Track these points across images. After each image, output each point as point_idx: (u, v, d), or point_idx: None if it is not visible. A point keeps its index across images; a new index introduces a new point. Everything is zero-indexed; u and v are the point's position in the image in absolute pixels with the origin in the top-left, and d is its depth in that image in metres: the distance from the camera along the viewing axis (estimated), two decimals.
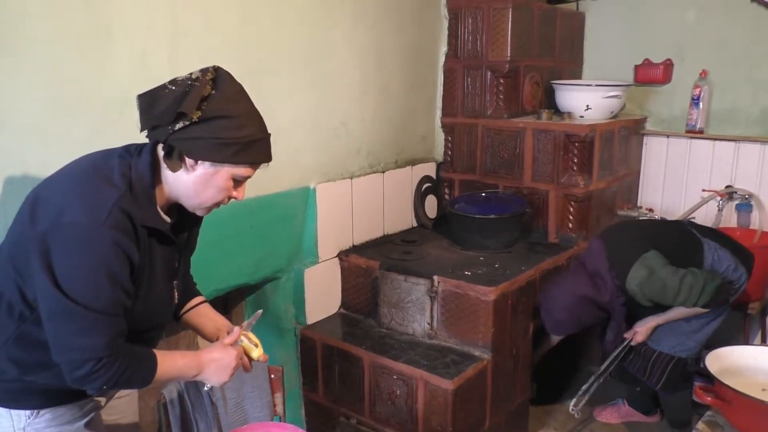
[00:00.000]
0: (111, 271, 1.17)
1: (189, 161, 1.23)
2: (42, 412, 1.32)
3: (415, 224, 3.08)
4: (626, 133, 3.09)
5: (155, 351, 1.30)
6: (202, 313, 1.59)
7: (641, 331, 2.44)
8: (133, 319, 1.26)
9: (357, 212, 2.72)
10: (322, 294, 2.61)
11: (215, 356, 1.38)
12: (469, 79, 3.00)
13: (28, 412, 1.31)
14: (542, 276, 2.56)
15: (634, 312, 2.46)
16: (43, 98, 1.64)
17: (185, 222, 1.41)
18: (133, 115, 1.86)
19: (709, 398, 1.45)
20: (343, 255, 2.65)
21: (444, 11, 3.02)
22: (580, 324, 2.40)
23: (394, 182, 2.89)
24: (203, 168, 1.24)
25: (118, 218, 1.18)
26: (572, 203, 2.79)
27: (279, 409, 2.00)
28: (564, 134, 2.75)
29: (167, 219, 1.33)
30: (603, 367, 2.51)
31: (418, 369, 2.22)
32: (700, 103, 3.04)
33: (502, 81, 2.92)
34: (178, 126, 1.19)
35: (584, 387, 2.49)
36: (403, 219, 3.01)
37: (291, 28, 2.31)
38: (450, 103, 3.08)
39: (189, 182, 1.26)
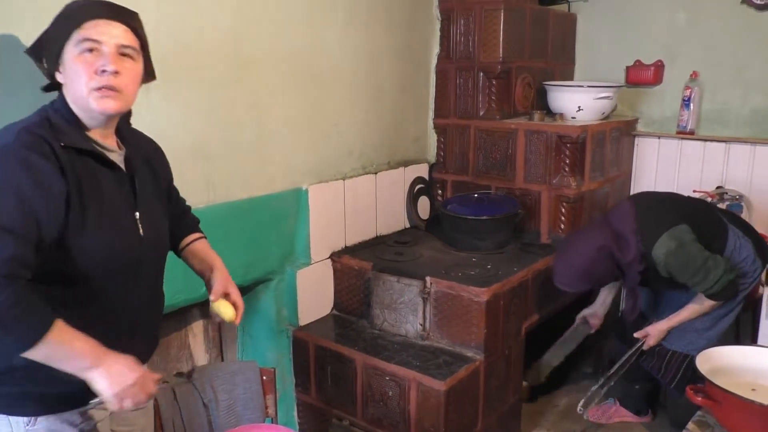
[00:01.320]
0: (19, 190, 1.12)
1: (59, 70, 1.24)
2: (39, 419, 1.27)
3: (407, 225, 3.08)
4: (618, 134, 3.10)
5: (59, 319, 1.14)
6: (193, 252, 1.58)
7: (653, 334, 2.42)
8: (89, 253, 1.20)
9: (349, 213, 2.72)
10: (315, 295, 2.61)
11: (120, 368, 1.20)
12: (461, 80, 3.00)
13: (26, 419, 1.26)
14: (534, 277, 2.56)
15: (648, 284, 2.42)
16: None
17: (137, 150, 1.39)
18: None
19: (700, 398, 1.46)
20: (335, 256, 2.65)
21: (436, 12, 3.02)
22: (595, 278, 2.33)
23: (386, 183, 2.90)
24: (67, 61, 1.22)
25: (26, 139, 1.16)
26: (564, 204, 2.80)
27: (271, 410, 2.00)
28: (556, 135, 2.76)
29: (103, 143, 1.29)
30: (615, 368, 2.49)
31: (410, 370, 2.22)
32: (691, 104, 3.06)
33: (494, 82, 2.93)
34: (43, 57, 1.25)
35: (594, 388, 2.47)
36: (395, 220, 3.01)
37: (283, 29, 2.31)
38: (442, 105, 3.09)
39: (70, 84, 1.23)
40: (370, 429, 2.37)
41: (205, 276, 1.56)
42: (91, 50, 1.21)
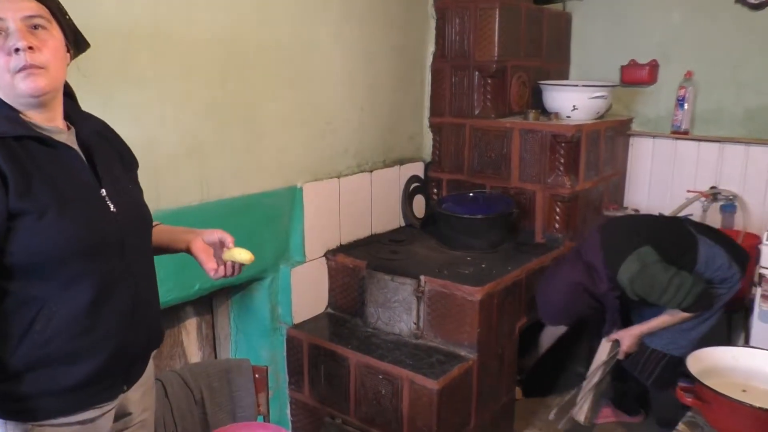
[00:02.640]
0: None
1: None
2: (38, 425, 1.19)
3: (402, 224, 3.08)
4: (612, 133, 3.11)
5: None
6: (158, 232, 1.43)
7: (626, 341, 2.44)
8: (56, 239, 1.12)
9: (344, 212, 2.71)
10: (309, 293, 2.61)
11: None
12: (456, 79, 3.00)
13: (26, 425, 1.18)
14: (528, 276, 2.57)
15: (629, 307, 2.47)
16: None
17: (89, 128, 1.28)
18: (116, 112, 1.86)
19: (690, 399, 1.46)
20: (330, 254, 2.65)
21: (431, 11, 3.02)
22: (575, 313, 2.41)
23: (381, 182, 2.89)
24: None
25: None
26: (559, 203, 2.80)
27: (263, 408, 2.00)
28: (551, 134, 2.76)
29: (47, 126, 1.19)
30: (593, 383, 2.51)
31: (403, 369, 2.22)
32: (685, 104, 3.07)
33: (489, 81, 2.93)
34: None
35: (567, 398, 2.51)
36: (390, 219, 3.01)
37: (277, 26, 2.30)
38: (438, 103, 3.09)
39: None
40: (363, 427, 2.37)
41: (181, 240, 1.41)
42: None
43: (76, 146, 1.23)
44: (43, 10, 1.14)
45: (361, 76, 2.71)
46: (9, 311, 1.13)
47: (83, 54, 1.75)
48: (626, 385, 2.74)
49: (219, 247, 1.39)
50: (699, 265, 2.30)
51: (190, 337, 2.46)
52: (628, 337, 2.44)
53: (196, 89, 2.07)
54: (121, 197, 1.26)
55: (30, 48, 1.10)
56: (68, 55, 1.23)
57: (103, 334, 1.20)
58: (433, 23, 3.02)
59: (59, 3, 1.20)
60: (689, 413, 1.54)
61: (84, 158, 1.23)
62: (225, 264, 1.38)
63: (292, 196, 2.47)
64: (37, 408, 1.17)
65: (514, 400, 2.71)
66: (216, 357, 2.57)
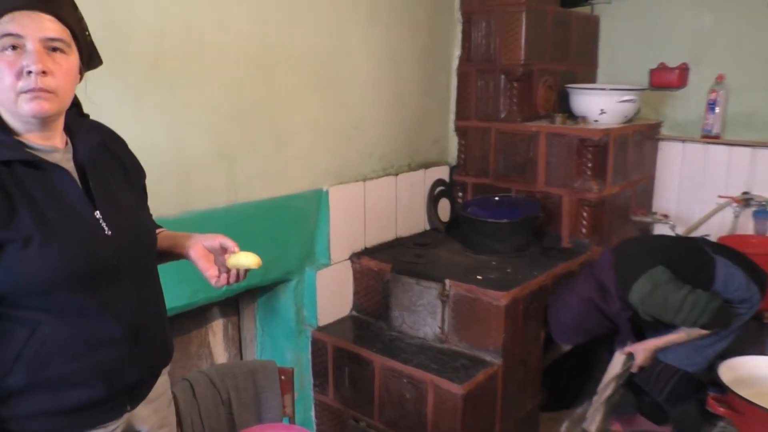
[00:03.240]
0: None
1: None
2: None
3: (427, 227, 3.07)
4: (641, 137, 3.06)
5: None
6: (163, 236, 1.39)
7: (640, 355, 2.40)
8: (46, 268, 1.08)
9: (369, 215, 2.72)
10: (334, 296, 2.62)
11: None
12: (482, 83, 2.99)
13: None
14: (554, 281, 2.54)
15: (642, 327, 2.43)
16: None
17: (90, 144, 1.22)
18: (148, 115, 1.90)
19: (722, 409, 1.44)
20: (355, 257, 2.66)
21: (457, 15, 3.02)
22: (586, 332, 2.40)
23: (407, 185, 2.89)
24: None
25: None
26: (586, 208, 2.77)
27: (288, 410, 2.01)
28: (578, 138, 2.74)
29: (43, 146, 1.14)
30: (605, 396, 2.49)
31: (428, 373, 2.22)
32: (717, 108, 3.01)
33: (515, 84, 2.91)
34: None
35: (578, 411, 2.49)
36: (415, 222, 3.00)
37: (304, 30, 2.32)
38: (463, 107, 3.08)
39: None
40: (386, 431, 2.37)
41: (181, 246, 1.35)
42: (13, 47, 1.05)
43: (70, 165, 1.17)
44: (65, 33, 1.10)
45: (387, 79, 2.72)
46: (0, 334, 1.10)
47: (119, 57, 1.80)
48: (646, 397, 2.67)
49: (221, 252, 1.33)
50: (717, 284, 2.25)
51: (216, 338, 2.49)
52: (642, 351, 2.40)
53: (225, 93, 2.10)
54: (118, 218, 1.20)
55: (43, 72, 1.06)
56: (79, 76, 1.18)
57: (100, 358, 1.16)
58: (459, 27, 3.02)
59: (81, 22, 1.17)
60: (721, 423, 1.51)
61: (77, 178, 1.17)
62: (229, 271, 1.32)
63: (318, 199, 2.48)
64: (34, 428, 1.14)
65: (539, 406, 2.68)
66: (242, 358, 2.59)
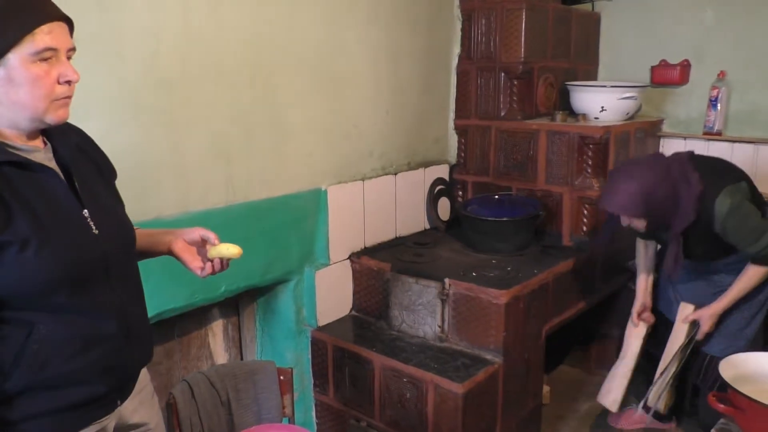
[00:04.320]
0: None
1: None
2: None
3: (427, 226, 3.06)
4: (642, 135, 3.05)
5: None
6: (139, 235, 1.39)
7: (706, 321, 2.30)
8: (42, 269, 1.09)
9: (369, 214, 2.71)
10: (334, 296, 2.61)
11: None
12: (482, 81, 2.98)
13: None
14: (555, 279, 2.53)
15: (687, 247, 2.29)
16: None
17: (65, 143, 1.23)
18: (145, 115, 1.90)
19: (723, 406, 1.42)
20: (354, 257, 2.65)
21: (457, 12, 3.01)
22: (650, 204, 2.12)
23: (406, 184, 2.89)
24: (12, 69, 1.06)
25: None
26: (587, 206, 2.76)
27: (288, 410, 2.01)
28: (578, 136, 2.73)
29: (24, 145, 1.15)
30: (673, 371, 2.39)
31: (428, 372, 2.21)
32: (718, 105, 2.99)
33: (515, 82, 2.90)
34: None
35: (652, 388, 2.42)
36: (415, 221, 2.99)
37: (303, 29, 2.32)
38: (463, 105, 3.07)
39: (13, 94, 1.08)
40: (387, 431, 2.36)
41: (162, 243, 1.37)
42: (48, 57, 1.08)
43: (53, 165, 1.18)
44: (73, 41, 1.16)
45: (387, 78, 2.71)
46: None
47: (117, 57, 1.80)
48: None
49: (201, 245, 1.36)
50: None
51: (216, 338, 2.49)
52: (708, 317, 2.29)
53: (223, 92, 2.09)
54: (103, 217, 1.22)
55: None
56: None
57: (97, 355, 1.18)
58: (458, 25, 3.01)
59: None
60: (722, 420, 1.50)
61: (63, 178, 1.18)
62: (213, 261, 1.35)
63: (317, 199, 2.48)
64: (33, 429, 1.15)
65: (541, 405, 2.67)
66: (242, 358, 2.59)
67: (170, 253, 1.37)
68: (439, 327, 2.41)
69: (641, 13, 3.23)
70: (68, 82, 1.11)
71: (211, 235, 1.34)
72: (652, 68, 3.20)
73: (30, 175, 1.12)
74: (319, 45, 2.39)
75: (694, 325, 2.37)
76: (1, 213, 1.06)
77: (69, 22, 1.13)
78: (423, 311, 2.45)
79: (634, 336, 2.56)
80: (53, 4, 1.11)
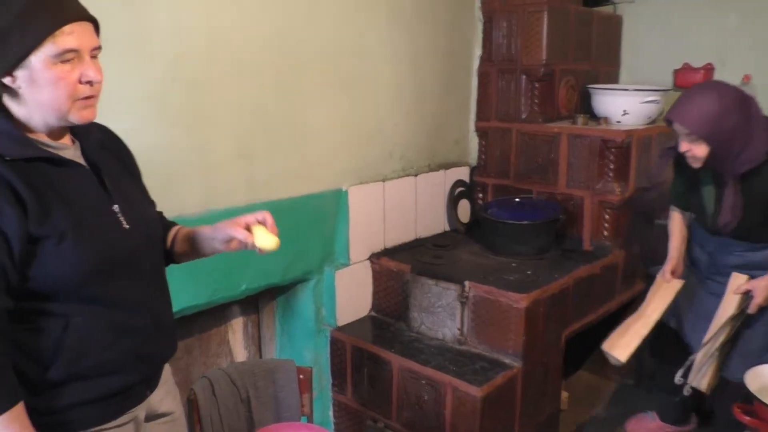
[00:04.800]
0: None
1: (6, 80, 1.08)
2: None
3: (447, 228, 3.06)
4: (665, 139, 3.01)
5: (20, 402, 1.08)
6: (185, 234, 1.43)
7: (761, 293, 2.08)
8: (76, 262, 1.11)
9: (389, 215, 2.72)
10: (353, 296, 2.62)
11: None
12: (503, 83, 2.97)
13: None
14: (576, 284, 2.51)
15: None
16: None
17: (92, 140, 1.25)
18: (169, 114, 1.92)
19: (748, 418, 1.40)
20: (374, 258, 2.65)
21: (478, 14, 3.00)
22: (718, 127, 1.95)
23: (426, 186, 2.88)
24: (35, 71, 1.07)
25: None
26: (608, 210, 2.74)
27: (306, 409, 2.02)
28: (600, 140, 2.71)
29: (54, 143, 1.17)
30: (718, 343, 2.16)
31: (446, 375, 2.20)
32: None
33: (536, 85, 2.89)
34: None
35: (691, 357, 2.15)
36: (435, 223, 2.99)
37: (325, 30, 2.33)
38: (484, 107, 3.06)
39: (28, 99, 1.10)
40: None
41: (205, 233, 1.38)
42: (70, 58, 1.09)
43: (83, 162, 1.22)
44: (98, 40, 1.16)
45: (408, 80, 2.71)
46: (35, 329, 1.14)
47: (144, 57, 1.82)
48: (675, 397, 2.60)
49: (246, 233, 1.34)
50: None
51: (236, 336, 2.50)
52: (763, 288, 2.08)
53: (246, 92, 2.11)
54: (132, 212, 1.25)
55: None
56: None
57: (129, 345, 1.22)
58: (480, 27, 3.00)
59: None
60: None
61: (93, 174, 1.21)
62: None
63: (338, 199, 2.48)
64: (73, 420, 1.18)
65: (559, 411, 2.65)
66: (261, 356, 2.61)
67: (223, 237, 1.35)
68: (458, 330, 2.41)
69: (664, 16, 3.20)
70: (90, 83, 1.12)
71: (248, 218, 1.35)
72: (675, 71, 3.16)
73: (63, 171, 1.16)
74: (341, 46, 2.39)
75: (746, 297, 2.15)
76: (39, 206, 1.08)
77: (94, 21, 1.14)
78: (442, 313, 2.45)
79: (660, 296, 2.33)
80: (75, 4, 1.11)
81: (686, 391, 2.17)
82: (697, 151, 2.03)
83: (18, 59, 1.06)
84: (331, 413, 2.62)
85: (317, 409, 2.53)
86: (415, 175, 2.82)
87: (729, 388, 2.24)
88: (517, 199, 2.90)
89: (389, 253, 2.69)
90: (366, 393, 2.48)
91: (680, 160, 2.17)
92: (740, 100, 2.00)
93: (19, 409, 1.08)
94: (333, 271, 2.50)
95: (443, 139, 2.98)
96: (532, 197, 2.91)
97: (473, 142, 3.13)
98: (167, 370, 1.44)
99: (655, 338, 2.47)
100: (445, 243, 2.84)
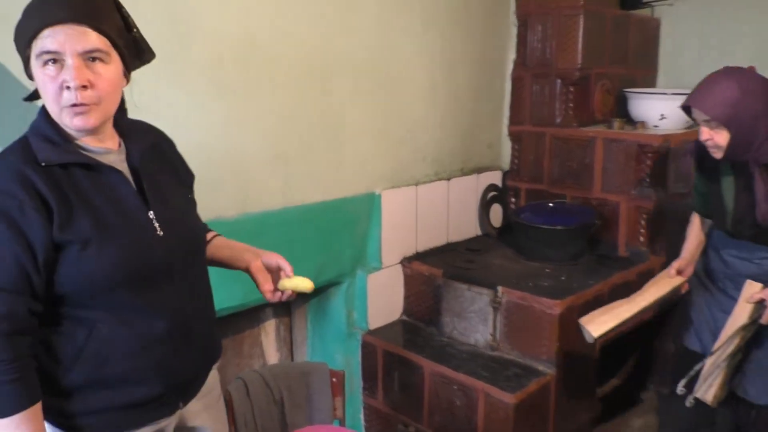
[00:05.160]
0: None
1: (32, 78, 1.11)
2: None
3: (479, 233, 3.04)
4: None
5: (36, 403, 1.09)
6: (219, 245, 1.44)
7: None
8: (101, 269, 1.11)
9: (421, 219, 2.71)
10: (385, 300, 2.62)
11: None
12: (537, 87, 2.95)
13: None
14: (611, 291, 2.47)
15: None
16: None
17: (140, 144, 1.24)
18: (208, 118, 1.95)
19: None
20: (406, 262, 2.65)
21: (513, 18, 2.98)
22: (735, 111, 1.82)
23: (459, 190, 2.88)
24: (34, 73, 1.10)
25: None
26: (644, 216, 2.69)
27: (339, 412, 2.02)
28: (636, 144, 2.66)
29: (97, 148, 1.17)
30: (727, 353, 1.98)
31: (479, 381, 2.19)
32: None
33: (571, 89, 2.85)
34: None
35: (696, 367, 1.98)
36: (467, 227, 2.98)
37: (360, 34, 2.34)
38: (517, 111, 3.04)
39: (43, 98, 1.12)
40: None
41: (241, 260, 1.40)
42: (54, 60, 1.06)
43: (124, 166, 1.20)
44: (102, 42, 1.09)
45: (441, 83, 2.71)
46: (60, 333, 1.14)
47: (180, 63, 1.85)
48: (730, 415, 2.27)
49: (275, 271, 1.38)
50: None
51: (269, 338, 2.53)
52: None
53: (282, 97, 2.13)
54: (170, 218, 1.22)
55: (83, 87, 1.07)
56: (125, 78, 1.18)
57: (154, 356, 1.19)
58: (514, 31, 2.98)
59: (123, 25, 1.15)
60: None
61: (131, 179, 1.20)
62: (283, 291, 1.38)
63: (371, 203, 2.49)
64: (93, 425, 1.18)
65: (593, 419, 2.61)
66: (292, 359, 2.62)
67: (247, 270, 1.39)
68: (491, 335, 2.39)
69: (704, 18, 3.13)
70: (68, 87, 1.06)
71: (287, 267, 1.36)
72: None
73: (97, 177, 1.15)
74: (375, 50, 2.40)
75: (760, 306, 1.95)
76: (64, 213, 1.08)
77: (87, 24, 1.07)
78: (474, 318, 2.43)
79: (655, 286, 2.16)
80: (68, 5, 1.06)
81: (688, 403, 2.01)
82: (718, 139, 1.88)
83: (25, 61, 1.10)
84: (361, 417, 2.62)
85: (348, 412, 2.53)
86: (448, 179, 2.82)
87: (757, 413, 2.05)
88: (550, 204, 2.87)
89: (421, 257, 2.69)
90: (397, 397, 2.48)
91: (701, 157, 2.06)
92: (762, 85, 1.88)
93: (36, 409, 1.09)
94: (365, 274, 2.50)
95: (476, 144, 2.96)
96: (566, 202, 2.88)
97: (506, 147, 3.11)
98: (212, 381, 1.40)
99: (682, 363, 2.22)
100: (477, 247, 2.82)
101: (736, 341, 1.98)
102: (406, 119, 2.58)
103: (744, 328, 1.96)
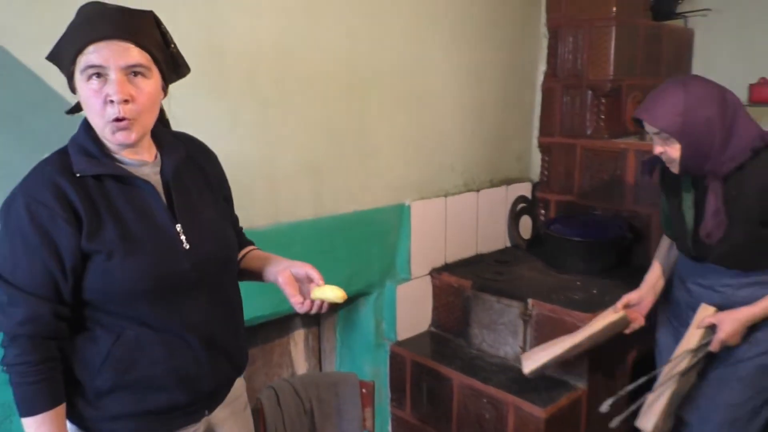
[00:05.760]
0: (25, 239, 1.10)
1: (74, 91, 1.16)
2: None
3: (508, 244, 3.03)
4: None
5: (59, 405, 1.14)
6: (252, 257, 1.45)
7: (726, 326, 1.77)
8: (123, 280, 1.14)
9: (450, 230, 2.71)
10: (413, 311, 2.62)
11: None
12: (567, 99, 2.93)
13: None
14: None
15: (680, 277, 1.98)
16: None
17: (176, 157, 1.26)
18: (242, 130, 1.98)
19: None
20: (435, 273, 2.65)
21: (543, 30, 2.98)
22: (687, 122, 1.71)
23: (488, 201, 2.87)
24: (78, 87, 1.13)
25: (30, 188, 1.12)
26: None
27: (368, 423, 2.02)
28: None
29: (134, 160, 1.20)
30: (672, 379, 1.87)
31: (509, 394, 2.17)
32: None
33: (603, 100, 2.83)
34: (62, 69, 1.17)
35: (647, 401, 1.91)
36: (496, 238, 2.96)
37: (391, 48, 2.36)
38: (547, 123, 3.03)
39: (86, 111, 1.15)
40: None
41: (270, 273, 1.39)
42: (98, 75, 1.10)
43: (156, 179, 1.22)
44: (144, 58, 1.13)
45: (471, 95, 2.71)
46: (88, 338, 1.18)
47: (216, 76, 1.89)
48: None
49: (306, 281, 1.36)
50: None
51: (297, 347, 2.54)
52: (730, 321, 1.77)
53: (314, 109, 2.15)
54: (198, 232, 1.24)
55: (125, 101, 1.10)
56: (163, 92, 1.22)
57: (178, 365, 1.21)
58: (545, 42, 2.98)
59: (162, 41, 1.19)
60: None
61: (162, 193, 1.22)
62: (313, 301, 1.35)
63: (400, 214, 2.50)
64: (117, 430, 1.21)
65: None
66: (321, 369, 2.63)
67: (275, 281, 1.38)
68: (521, 348, 2.37)
69: (738, 29, 3.09)
70: (112, 101, 1.10)
71: (316, 276, 1.34)
72: (751, 86, 3.05)
73: (129, 189, 1.18)
74: (406, 63, 2.42)
75: (711, 331, 1.84)
76: (93, 223, 1.13)
77: (130, 40, 1.11)
78: (504, 331, 2.41)
79: (601, 318, 2.09)
80: (114, 22, 1.11)
81: (613, 425, 1.91)
82: (671, 152, 1.77)
83: (69, 75, 1.13)
84: (389, 428, 2.62)
85: (377, 423, 2.52)
86: (477, 191, 2.81)
87: None
88: (581, 216, 2.84)
89: (450, 268, 2.68)
90: (425, 409, 2.47)
91: (663, 173, 1.96)
92: (712, 90, 1.75)
93: (59, 411, 1.13)
94: (394, 285, 2.51)
95: (505, 155, 2.95)
96: (597, 214, 2.85)
97: (536, 158, 3.09)
98: (238, 388, 1.42)
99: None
100: (506, 259, 2.81)
101: (683, 364, 1.87)
102: (436, 131, 2.59)
103: (691, 352, 1.85)
